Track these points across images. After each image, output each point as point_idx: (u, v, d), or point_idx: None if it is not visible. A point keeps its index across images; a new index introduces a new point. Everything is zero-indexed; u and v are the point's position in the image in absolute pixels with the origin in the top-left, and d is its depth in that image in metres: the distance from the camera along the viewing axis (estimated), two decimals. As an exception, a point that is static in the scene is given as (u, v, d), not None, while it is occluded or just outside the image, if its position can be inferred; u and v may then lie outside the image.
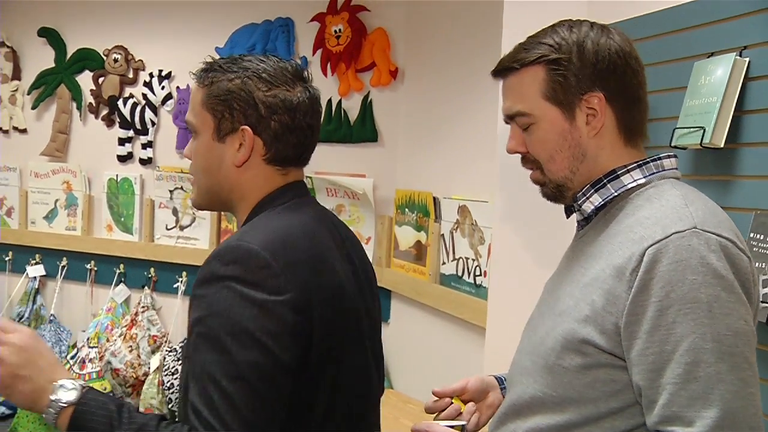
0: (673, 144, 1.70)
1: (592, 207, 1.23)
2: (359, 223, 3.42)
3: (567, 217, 1.33)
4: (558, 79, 1.20)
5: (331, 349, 1.24)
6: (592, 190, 1.23)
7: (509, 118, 1.27)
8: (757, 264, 1.49)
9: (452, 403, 1.38)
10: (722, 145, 1.59)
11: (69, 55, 4.11)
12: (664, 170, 1.22)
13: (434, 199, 2.97)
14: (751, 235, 1.51)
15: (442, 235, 2.91)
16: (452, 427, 1.32)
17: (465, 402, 1.41)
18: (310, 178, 3.42)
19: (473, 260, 2.70)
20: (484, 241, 2.63)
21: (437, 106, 3.06)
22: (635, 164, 1.22)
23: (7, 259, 4.32)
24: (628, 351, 1.09)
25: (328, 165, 3.44)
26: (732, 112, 1.59)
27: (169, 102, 3.86)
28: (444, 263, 2.91)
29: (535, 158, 1.25)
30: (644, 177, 1.21)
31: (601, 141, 1.21)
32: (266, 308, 1.15)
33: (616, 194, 1.21)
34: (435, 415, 1.40)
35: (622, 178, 1.21)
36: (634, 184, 1.21)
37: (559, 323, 1.19)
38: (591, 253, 1.21)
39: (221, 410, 1.10)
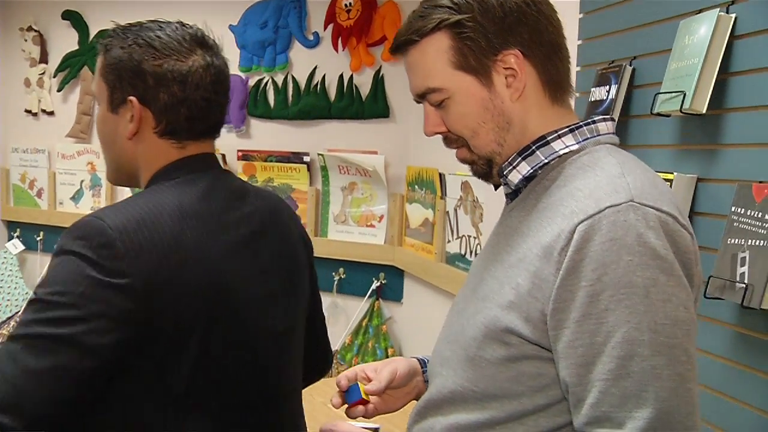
0: (655, 111, 1.54)
1: (520, 176, 1.09)
2: (372, 200, 3.31)
3: (495, 190, 1.19)
4: (466, 44, 1.05)
5: (188, 339, 1.15)
6: (519, 158, 1.09)
7: (420, 98, 1.12)
8: (735, 240, 1.33)
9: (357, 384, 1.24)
10: (704, 111, 1.43)
11: (91, 37, 4.08)
12: (599, 135, 1.07)
13: (440, 175, 2.83)
14: (733, 209, 1.35)
15: (448, 212, 2.78)
16: (366, 428, 1.20)
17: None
18: (322, 155, 3.32)
19: (474, 238, 2.56)
20: (483, 217, 2.49)
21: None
22: (567, 128, 1.07)
23: (38, 239, 4.34)
24: (555, 342, 0.96)
25: (340, 142, 3.34)
26: (715, 75, 1.42)
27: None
28: (449, 241, 2.78)
29: (457, 136, 1.11)
30: (577, 143, 1.06)
31: (526, 103, 1.07)
32: (93, 288, 1.07)
33: (546, 161, 1.07)
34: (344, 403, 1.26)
35: (552, 144, 1.07)
36: (565, 150, 1.06)
37: (482, 309, 1.06)
38: (518, 230, 1.07)
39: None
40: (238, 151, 3.55)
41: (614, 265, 0.92)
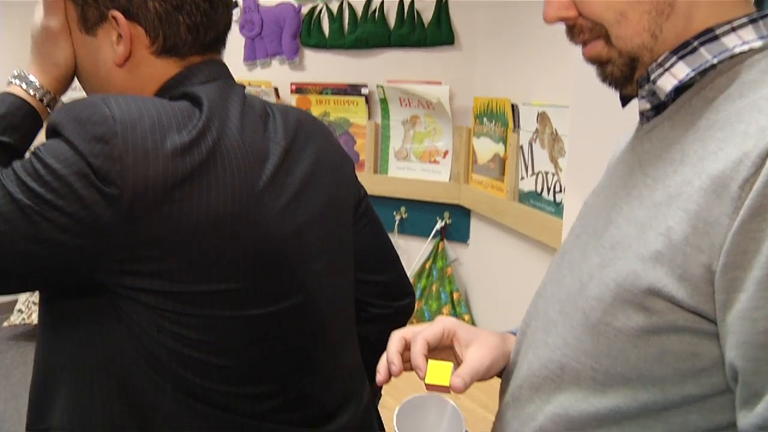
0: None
1: (674, 83, 0.80)
2: (435, 135, 3.05)
3: (623, 106, 0.93)
4: None
5: (191, 290, 0.96)
6: (675, 58, 0.80)
7: None
8: None
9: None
10: None
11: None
12: None
13: (513, 106, 2.56)
14: None
15: (521, 146, 2.51)
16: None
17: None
18: (381, 87, 3.06)
19: (553, 174, 2.30)
20: (564, 152, 2.22)
21: (518, 2, 2.61)
22: (746, 18, 0.78)
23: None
24: (724, 310, 0.70)
25: (401, 72, 3.07)
26: None
27: (234, 11, 3.54)
28: (522, 178, 2.52)
29: (594, 22, 0.83)
30: (760, 38, 0.78)
31: None
32: (77, 183, 0.88)
33: (714, 62, 0.78)
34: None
35: (723, 39, 0.78)
36: (743, 49, 0.78)
37: (612, 261, 0.80)
38: (665, 157, 0.81)
39: None
40: (292, 84, 3.31)
41: None
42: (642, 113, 0.88)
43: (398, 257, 1.39)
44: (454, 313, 3.01)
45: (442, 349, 1.01)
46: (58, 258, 0.91)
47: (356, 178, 1.29)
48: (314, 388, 1.10)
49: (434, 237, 3.09)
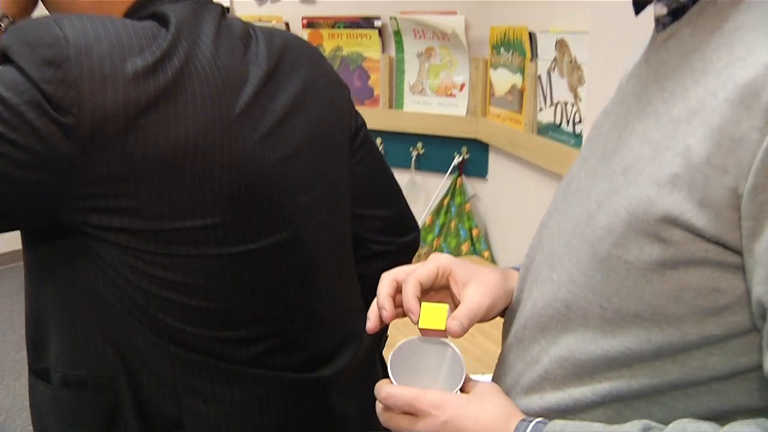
0: None
1: None
2: (451, 67, 2.93)
3: (636, 14, 0.82)
4: None
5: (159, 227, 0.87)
6: None
7: None
8: None
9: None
10: None
11: None
12: None
13: (530, 34, 2.43)
14: None
15: (539, 76, 2.39)
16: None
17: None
18: (395, 19, 2.93)
19: (572, 104, 2.18)
20: (583, 81, 2.10)
21: None
22: None
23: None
24: (753, 238, 0.62)
25: (415, 3, 2.94)
26: None
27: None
28: (541, 110, 2.40)
29: None
30: None
31: None
32: (30, 113, 0.80)
33: None
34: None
35: None
36: None
37: (622, 186, 0.72)
38: (686, 67, 0.71)
39: None
40: (303, 18, 3.19)
41: None
42: (657, 20, 0.77)
43: (400, 191, 1.30)
44: (474, 250, 2.93)
45: (438, 290, 0.93)
46: (16, 196, 0.84)
47: (352, 106, 1.20)
48: (307, 331, 1.03)
49: (452, 173, 3.00)
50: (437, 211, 3.03)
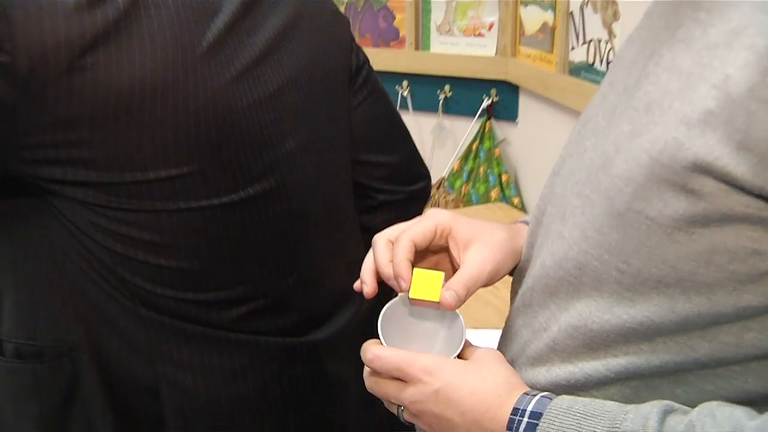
0: None
1: None
2: (479, 6, 2.76)
3: None
4: None
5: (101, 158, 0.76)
6: None
7: None
8: None
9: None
10: None
11: None
12: None
13: (562, -34, 2.26)
14: None
15: (571, 13, 2.23)
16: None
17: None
18: (421, -46, 2.77)
19: (606, 42, 2.03)
20: (619, 15, 1.94)
21: None
22: None
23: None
24: None
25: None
26: None
27: None
28: (573, 49, 2.25)
29: None
30: None
31: None
32: None
33: None
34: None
35: None
36: None
37: (646, 127, 0.60)
38: None
39: None
40: (327, -45, 3.04)
41: None
42: None
43: (408, 134, 1.18)
44: (503, 197, 2.81)
45: (436, 252, 0.81)
46: None
47: (353, 40, 1.08)
48: (296, 291, 0.93)
49: (481, 116, 2.86)
50: (465, 157, 2.90)
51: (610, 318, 0.63)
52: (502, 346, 0.82)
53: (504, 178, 2.82)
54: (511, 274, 0.84)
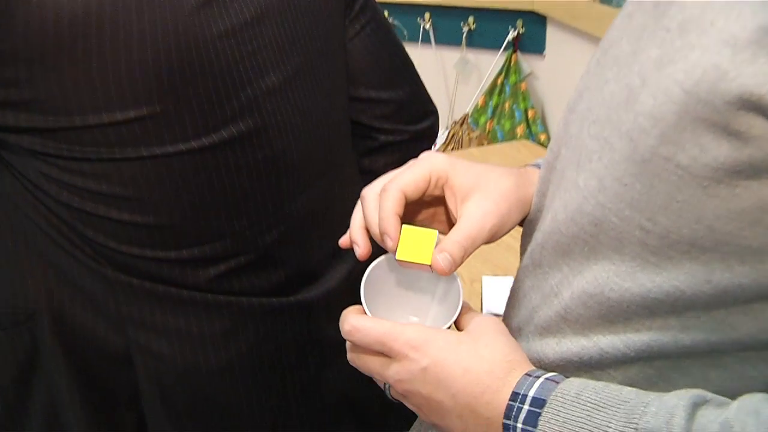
0: None
1: None
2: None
3: None
4: None
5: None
6: None
7: None
8: None
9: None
10: None
11: None
12: None
13: None
14: None
15: (603, -67, 2.07)
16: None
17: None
18: None
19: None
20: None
21: None
22: None
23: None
24: None
25: None
26: None
27: None
28: (604, -27, 2.09)
29: None
30: None
31: None
32: None
33: None
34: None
35: None
36: None
37: (678, 51, 0.47)
38: None
39: None
40: None
41: None
42: None
43: (413, 68, 1.05)
44: (530, 133, 2.68)
45: (431, 203, 0.70)
46: None
47: None
48: (283, 245, 0.83)
49: (506, 49, 2.72)
50: (490, 91, 2.77)
51: (631, 286, 0.52)
52: (510, 309, 0.71)
53: (530, 113, 2.69)
54: (521, 225, 0.72)
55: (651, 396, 0.50)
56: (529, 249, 0.67)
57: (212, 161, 0.74)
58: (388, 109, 1.01)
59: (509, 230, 0.68)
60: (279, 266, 0.83)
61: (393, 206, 0.63)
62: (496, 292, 1.40)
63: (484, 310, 1.35)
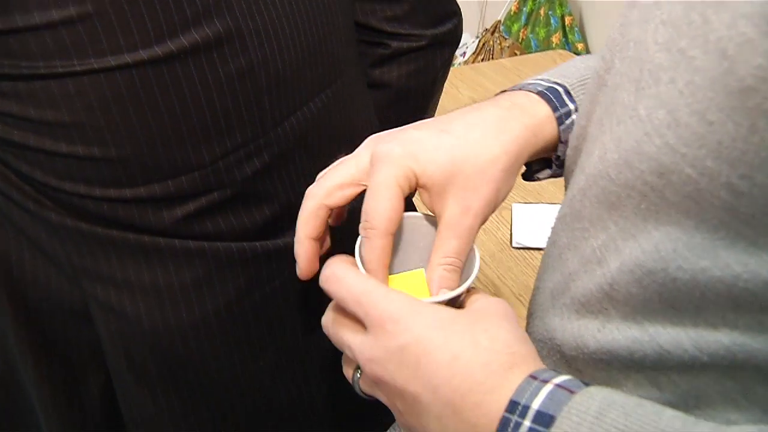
0: None
1: None
2: None
3: None
4: None
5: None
6: None
7: None
8: None
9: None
10: None
11: None
12: None
13: None
14: None
15: None
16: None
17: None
18: None
19: None
20: None
21: None
22: None
23: None
24: None
25: None
26: None
27: None
28: None
29: None
30: None
31: None
32: None
33: None
34: None
35: None
36: None
37: None
38: None
39: None
40: None
41: None
42: None
43: None
44: (566, 42, 2.48)
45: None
46: None
47: None
48: (266, 177, 0.68)
49: (542, -51, 2.49)
50: (524, -4, 2.57)
51: (710, 266, 0.36)
52: (543, 269, 0.56)
53: (567, 20, 2.49)
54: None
55: (703, 429, 0.35)
56: (568, 193, 0.51)
57: (169, 76, 0.59)
58: (402, 9, 0.84)
59: (504, 198, 0.54)
60: (262, 203, 0.69)
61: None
62: (527, 222, 1.25)
63: (513, 242, 1.21)
